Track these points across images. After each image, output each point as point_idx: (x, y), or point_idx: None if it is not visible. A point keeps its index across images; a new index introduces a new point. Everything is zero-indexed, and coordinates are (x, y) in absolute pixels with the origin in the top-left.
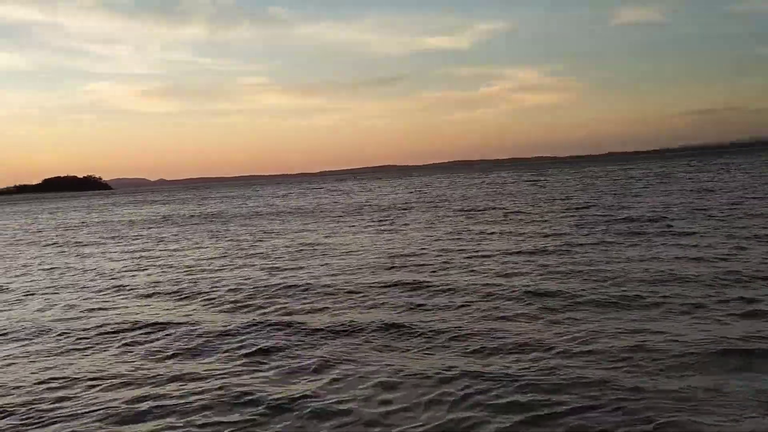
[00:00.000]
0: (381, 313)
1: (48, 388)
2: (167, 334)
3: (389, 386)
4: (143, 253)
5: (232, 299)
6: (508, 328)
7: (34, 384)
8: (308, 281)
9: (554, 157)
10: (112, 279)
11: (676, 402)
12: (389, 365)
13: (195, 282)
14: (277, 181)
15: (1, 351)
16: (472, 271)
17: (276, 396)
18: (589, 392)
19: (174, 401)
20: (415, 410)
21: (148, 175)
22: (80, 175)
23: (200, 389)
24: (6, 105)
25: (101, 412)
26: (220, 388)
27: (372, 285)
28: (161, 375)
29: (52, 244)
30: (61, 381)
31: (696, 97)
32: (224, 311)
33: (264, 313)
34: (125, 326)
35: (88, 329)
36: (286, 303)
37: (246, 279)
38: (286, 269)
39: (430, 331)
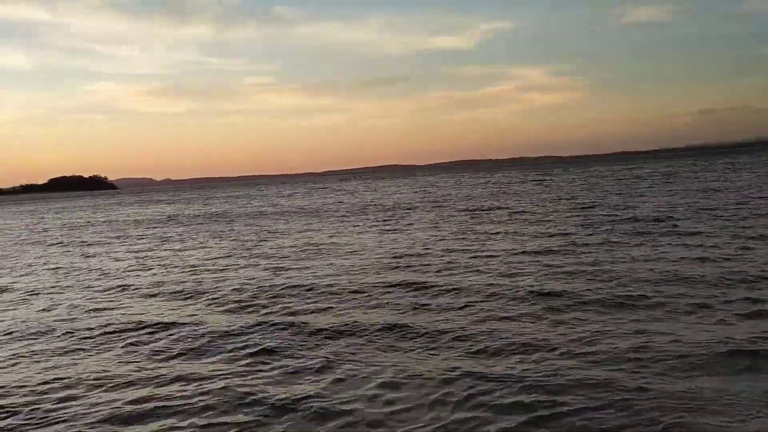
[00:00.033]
0: (385, 314)
1: (52, 388)
2: (171, 334)
3: (393, 386)
4: (148, 253)
5: (236, 299)
6: (512, 328)
7: (38, 384)
8: (312, 281)
9: (558, 156)
10: (117, 279)
11: (682, 403)
12: (393, 365)
13: (199, 282)
14: (282, 181)
15: (5, 350)
16: (477, 271)
17: (280, 396)
18: (594, 393)
19: (178, 401)
20: (418, 410)
21: (154, 174)
22: (86, 175)
23: (204, 389)
24: (12, 105)
25: (105, 412)
26: (223, 388)
27: (376, 285)
28: (165, 375)
29: (57, 244)
30: (65, 381)
31: (697, 97)
32: (228, 311)
33: (268, 313)
34: (129, 326)
35: (93, 329)
36: (290, 303)
37: (250, 279)
38: (290, 269)
39: (434, 332)
